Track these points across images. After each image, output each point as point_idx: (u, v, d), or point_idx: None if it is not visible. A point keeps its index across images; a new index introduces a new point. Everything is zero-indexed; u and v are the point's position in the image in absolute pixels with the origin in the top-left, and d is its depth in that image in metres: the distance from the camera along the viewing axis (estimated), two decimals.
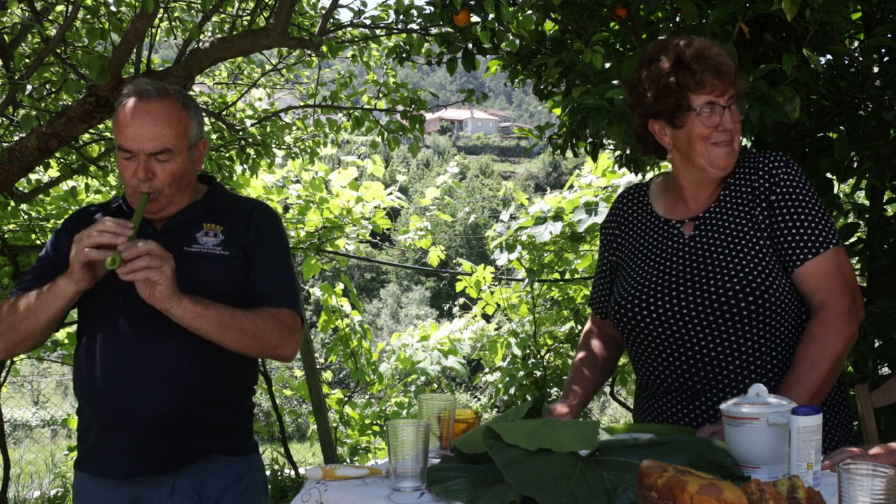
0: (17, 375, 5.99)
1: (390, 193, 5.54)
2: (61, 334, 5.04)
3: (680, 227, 1.85)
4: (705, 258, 1.77)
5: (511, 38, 2.81)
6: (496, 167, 61.22)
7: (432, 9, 2.87)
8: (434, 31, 3.12)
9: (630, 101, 1.85)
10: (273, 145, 4.45)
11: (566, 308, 5.82)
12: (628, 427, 1.79)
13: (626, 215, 1.99)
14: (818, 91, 2.33)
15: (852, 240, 2.69)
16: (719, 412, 1.59)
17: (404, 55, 3.32)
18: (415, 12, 3.22)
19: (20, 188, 3.96)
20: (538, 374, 5.72)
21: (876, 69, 2.47)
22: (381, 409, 6.29)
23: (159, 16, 3.46)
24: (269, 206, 2.08)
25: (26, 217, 4.04)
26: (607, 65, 2.53)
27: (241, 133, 4.19)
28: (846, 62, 2.58)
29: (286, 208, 5.45)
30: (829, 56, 2.55)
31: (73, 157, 3.74)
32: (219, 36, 3.41)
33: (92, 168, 3.85)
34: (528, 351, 5.89)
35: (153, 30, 3.38)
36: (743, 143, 2.46)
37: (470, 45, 2.94)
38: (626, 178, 4.57)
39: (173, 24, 3.97)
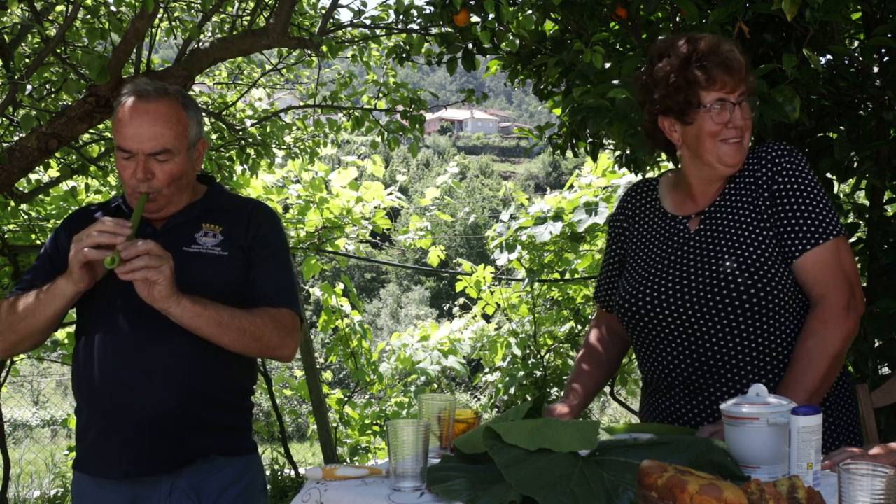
0: (17, 375, 5.99)
1: (390, 193, 5.54)
2: (61, 334, 5.04)
3: (686, 222, 1.85)
4: (709, 252, 1.76)
5: (511, 38, 2.81)
6: (496, 167, 61.23)
7: (432, 9, 2.87)
8: (434, 31, 3.12)
9: (639, 98, 1.84)
10: (273, 145, 4.45)
11: (566, 308, 5.82)
12: (628, 427, 1.78)
13: (634, 209, 1.98)
14: (818, 91, 2.33)
15: (852, 240, 2.69)
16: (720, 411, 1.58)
17: (404, 55, 3.32)
18: (415, 12, 3.22)
19: (20, 188, 3.96)
20: (538, 374, 5.72)
21: (876, 69, 2.47)
22: (381, 409, 6.29)
23: (159, 16, 3.46)
24: (268, 206, 2.08)
25: (26, 217, 4.04)
26: (607, 65, 2.53)
27: (241, 133, 4.19)
28: (846, 62, 2.58)
29: (286, 208, 5.45)
30: (829, 56, 2.55)
31: (73, 157, 3.74)
32: (219, 36, 3.41)
33: (92, 168, 3.85)
34: (528, 351, 5.89)
35: (153, 30, 3.37)
36: None
37: (470, 45, 2.94)
38: (626, 178, 4.57)
39: (173, 24, 3.97)
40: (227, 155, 4.37)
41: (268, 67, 4.62)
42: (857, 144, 2.43)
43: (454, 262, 8.34)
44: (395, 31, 3.43)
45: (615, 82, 2.40)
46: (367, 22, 3.42)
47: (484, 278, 6.08)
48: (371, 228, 5.50)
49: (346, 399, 6.23)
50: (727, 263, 1.72)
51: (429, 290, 33.86)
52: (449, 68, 2.99)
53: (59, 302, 1.80)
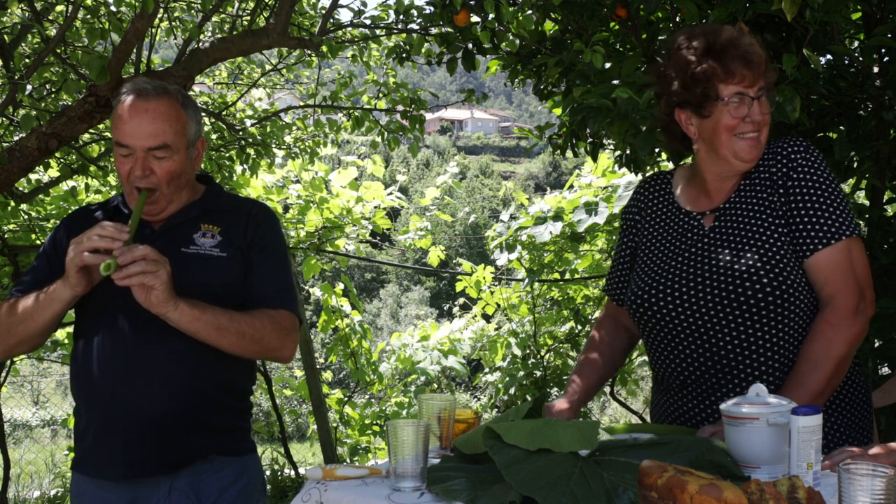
0: (17, 375, 6.00)
1: (390, 193, 5.54)
2: (61, 334, 5.05)
3: (701, 218, 1.82)
4: (723, 249, 1.73)
5: (511, 38, 2.81)
6: (496, 167, 61.23)
7: (432, 9, 2.87)
8: (434, 31, 3.12)
9: (657, 90, 1.82)
10: (273, 145, 4.45)
11: (566, 308, 5.82)
12: (628, 427, 1.78)
13: (647, 202, 1.95)
14: (818, 91, 2.32)
15: None
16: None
17: (404, 55, 3.32)
18: (415, 12, 3.22)
19: (20, 188, 3.96)
20: (538, 374, 5.72)
21: (876, 69, 2.46)
22: (381, 409, 6.29)
23: (159, 16, 3.46)
24: (267, 206, 2.08)
25: (26, 217, 4.04)
26: (607, 65, 2.53)
27: (241, 133, 4.19)
28: (846, 62, 2.58)
29: (286, 208, 5.46)
30: (829, 56, 2.54)
31: (73, 157, 3.74)
32: (219, 36, 3.41)
33: (92, 168, 3.85)
34: (528, 351, 5.89)
35: (153, 30, 3.38)
36: None
37: (470, 45, 2.94)
38: (626, 178, 4.57)
39: (173, 24, 3.97)
40: (227, 155, 4.38)
41: (268, 67, 4.62)
42: (857, 144, 2.42)
43: (454, 262, 8.34)
44: (395, 31, 3.43)
45: (615, 82, 2.40)
46: (367, 22, 3.42)
47: (484, 278, 6.08)
48: (371, 228, 5.50)
49: (346, 399, 6.23)
50: (742, 262, 1.69)
51: (429, 290, 33.87)
52: (449, 68, 2.99)
53: (56, 306, 1.80)
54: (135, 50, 2.89)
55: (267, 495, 2.08)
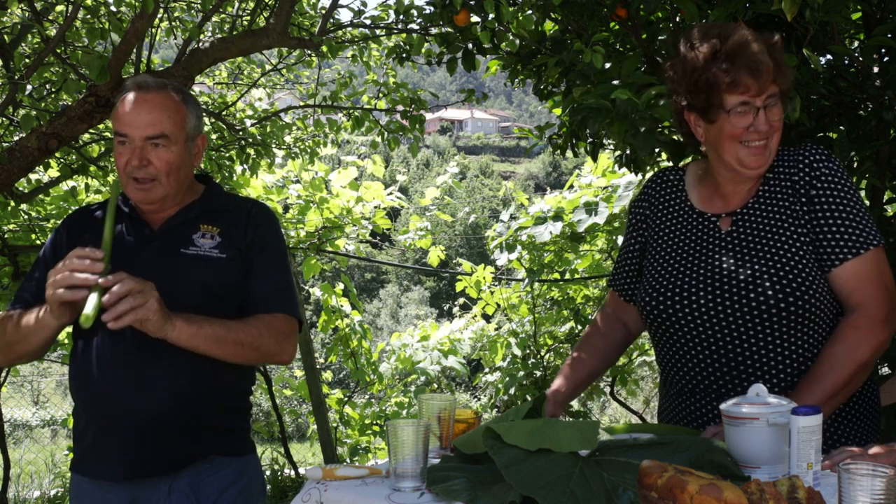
0: (17, 375, 6.01)
1: (390, 193, 5.54)
2: (61, 334, 5.03)
3: (717, 221, 1.79)
4: (743, 256, 1.70)
5: (511, 38, 2.81)
6: (496, 167, 61.24)
7: (432, 9, 2.87)
8: (434, 31, 3.12)
9: (668, 88, 1.81)
10: (273, 145, 4.45)
11: (566, 308, 5.82)
12: (628, 427, 1.78)
13: (658, 198, 1.91)
14: (818, 91, 2.32)
15: None
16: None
17: (404, 55, 3.32)
18: (415, 12, 3.22)
19: (20, 188, 3.96)
20: (538, 374, 5.72)
21: (876, 69, 2.46)
22: (381, 409, 6.29)
23: (159, 16, 3.46)
24: (267, 206, 2.08)
25: (26, 217, 4.04)
26: (607, 65, 2.53)
27: (241, 133, 4.19)
28: (846, 62, 2.58)
29: (286, 208, 5.45)
30: (829, 56, 2.54)
31: (73, 157, 3.74)
32: (219, 36, 3.41)
33: (92, 168, 3.85)
34: (528, 351, 5.88)
35: (153, 30, 3.38)
36: None
37: (470, 45, 2.94)
38: (626, 178, 4.56)
39: (173, 24, 3.97)
40: (227, 155, 4.37)
41: (268, 67, 4.62)
42: (857, 144, 2.42)
43: (454, 262, 8.34)
44: (395, 31, 3.43)
45: (615, 82, 2.40)
46: (367, 22, 3.42)
47: (484, 278, 6.08)
48: (371, 228, 5.50)
49: (346, 399, 6.23)
50: (764, 270, 1.66)
51: (429, 290, 33.87)
52: (449, 68, 2.99)
53: (45, 332, 1.80)
54: (135, 50, 2.89)
55: (267, 495, 2.08)
